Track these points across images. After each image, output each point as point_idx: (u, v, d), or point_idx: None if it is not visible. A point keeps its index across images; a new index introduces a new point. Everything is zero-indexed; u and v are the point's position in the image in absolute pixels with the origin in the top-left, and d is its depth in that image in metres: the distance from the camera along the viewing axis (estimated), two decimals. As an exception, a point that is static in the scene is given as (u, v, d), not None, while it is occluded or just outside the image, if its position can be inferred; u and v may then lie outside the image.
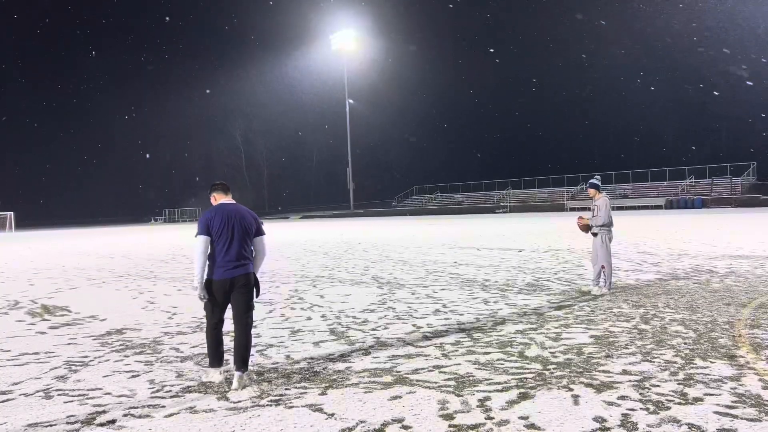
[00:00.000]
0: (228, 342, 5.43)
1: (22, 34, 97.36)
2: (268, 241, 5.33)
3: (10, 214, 64.57)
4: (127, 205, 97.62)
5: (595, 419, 3.75)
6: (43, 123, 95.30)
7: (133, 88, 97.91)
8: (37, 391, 4.72)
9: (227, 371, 4.82)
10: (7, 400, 4.53)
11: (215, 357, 4.88)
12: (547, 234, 23.07)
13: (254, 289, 4.94)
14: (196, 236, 4.74)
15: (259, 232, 5.04)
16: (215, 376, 4.81)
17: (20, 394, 4.66)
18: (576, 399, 4.13)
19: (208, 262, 4.75)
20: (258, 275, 5.06)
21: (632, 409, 3.90)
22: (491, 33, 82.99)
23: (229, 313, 4.93)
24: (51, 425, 3.94)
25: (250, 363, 4.84)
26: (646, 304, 7.66)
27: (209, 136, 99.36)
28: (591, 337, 5.95)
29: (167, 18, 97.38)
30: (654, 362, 4.96)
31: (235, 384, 4.58)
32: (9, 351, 6.22)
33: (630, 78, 74.40)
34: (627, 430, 3.57)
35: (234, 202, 5.02)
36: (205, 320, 5.02)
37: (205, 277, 4.76)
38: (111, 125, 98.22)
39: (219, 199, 5.01)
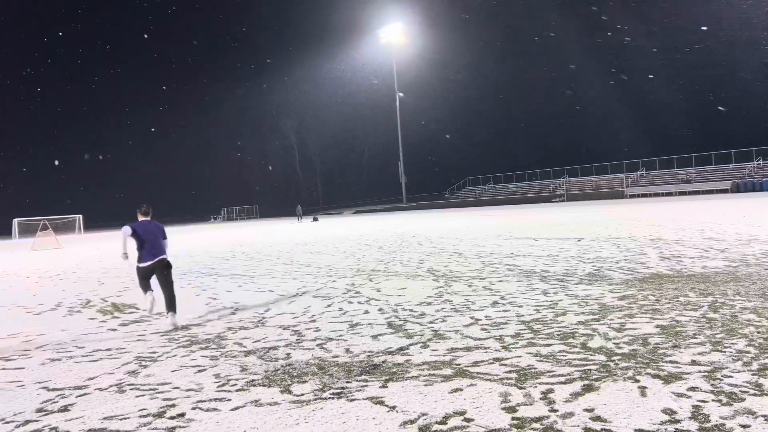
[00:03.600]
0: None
1: (83, 30, 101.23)
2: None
3: (79, 217, 67.59)
4: (187, 204, 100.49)
5: (665, 411, 3.64)
6: (106, 124, 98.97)
7: (190, 88, 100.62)
8: (111, 386, 4.93)
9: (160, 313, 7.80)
10: (84, 394, 4.75)
11: (145, 289, 7.69)
12: (607, 222, 22.49)
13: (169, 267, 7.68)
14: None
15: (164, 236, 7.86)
16: (147, 298, 7.67)
17: (95, 389, 4.88)
18: (643, 391, 4.01)
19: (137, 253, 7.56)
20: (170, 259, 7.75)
21: (704, 401, 3.76)
22: (540, 17, 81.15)
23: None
24: (125, 418, 4.11)
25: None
26: (715, 292, 7.36)
27: (263, 134, 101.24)
28: (657, 327, 5.77)
29: (220, 16, 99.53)
30: (725, 352, 4.77)
31: (168, 320, 7.36)
32: (83, 348, 6.52)
33: (688, 57, 71.50)
34: (699, 423, 3.45)
35: (147, 219, 7.85)
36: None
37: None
38: (170, 125, 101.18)
39: (140, 218, 7.85)
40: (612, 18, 74.67)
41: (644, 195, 59.49)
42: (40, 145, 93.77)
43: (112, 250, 26.37)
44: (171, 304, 7.44)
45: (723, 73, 69.10)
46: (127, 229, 7.49)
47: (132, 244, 7.50)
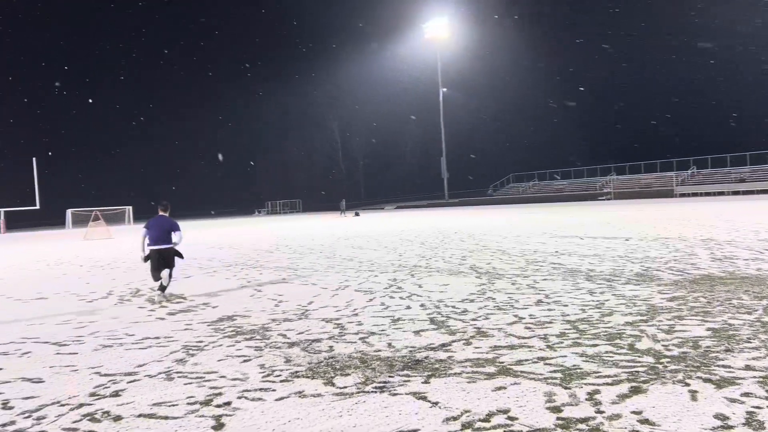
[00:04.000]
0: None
1: (131, 28, 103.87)
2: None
3: (129, 208, 69.61)
4: (232, 197, 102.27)
5: (716, 416, 3.53)
6: (153, 118, 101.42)
7: (238, 85, 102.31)
8: (160, 373, 5.07)
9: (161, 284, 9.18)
10: (134, 380, 4.90)
11: (155, 277, 9.23)
12: (656, 221, 21.93)
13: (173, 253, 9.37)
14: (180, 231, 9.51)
15: (174, 229, 9.38)
16: (155, 284, 9.35)
17: (145, 375, 5.02)
18: (694, 395, 3.90)
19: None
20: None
21: (758, 407, 3.63)
22: (588, 12, 79.48)
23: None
24: (173, 405, 4.22)
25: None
26: (770, 295, 7.10)
27: (307, 129, 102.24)
28: (708, 329, 5.60)
29: (262, 10, 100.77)
30: (782, 358, 4.59)
31: (155, 294, 9.22)
32: (133, 335, 6.72)
33: (743, 54, 68.91)
34: (753, 429, 3.33)
35: (162, 214, 9.51)
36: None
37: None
38: (216, 123, 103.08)
39: (159, 212, 9.56)
40: (664, 12, 72.58)
41: (695, 194, 57.73)
42: (96, 139, 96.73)
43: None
44: (164, 286, 9.20)
45: (781, 68, 66.38)
46: (143, 231, 9.32)
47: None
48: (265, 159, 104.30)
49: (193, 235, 30.39)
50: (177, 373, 5.05)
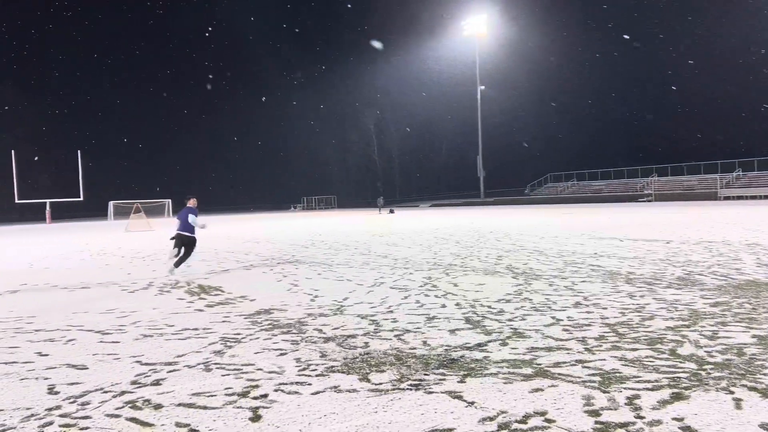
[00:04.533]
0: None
1: (154, 24, 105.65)
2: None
3: (168, 201, 71.03)
4: (268, 193, 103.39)
5: (762, 426, 3.43)
6: (193, 113, 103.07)
7: (278, 80, 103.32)
8: (198, 364, 5.17)
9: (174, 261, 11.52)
10: (174, 370, 5.00)
11: (174, 254, 11.71)
12: (698, 224, 21.37)
13: (191, 240, 11.83)
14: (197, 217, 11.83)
15: (191, 213, 11.77)
16: (173, 252, 11.77)
17: (184, 366, 5.12)
18: (738, 403, 3.79)
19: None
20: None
21: (807, 419, 3.52)
22: (631, 10, 77.74)
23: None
24: (212, 395, 4.30)
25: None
26: (820, 303, 6.85)
27: (344, 125, 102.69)
28: (753, 336, 5.44)
29: (301, 7, 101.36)
30: (832, 368, 4.43)
31: (168, 268, 11.80)
32: (173, 326, 6.86)
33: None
34: (801, 442, 3.23)
35: (188, 205, 11.98)
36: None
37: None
38: (250, 115, 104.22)
39: (186, 204, 12.02)
40: (709, 13, 70.62)
41: (740, 197, 56.03)
42: (135, 134, 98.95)
43: (198, 233, 27.57)
44: (177, 263, 11.64)
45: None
46: (176, 220, 12.15)
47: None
48: (301, 154, 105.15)
49: (230, 229, 30.84)
50: (215, 364, 5.14)
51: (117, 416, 3.95)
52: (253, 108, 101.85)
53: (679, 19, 74.01)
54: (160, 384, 4.61)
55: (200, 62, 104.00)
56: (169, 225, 41.98)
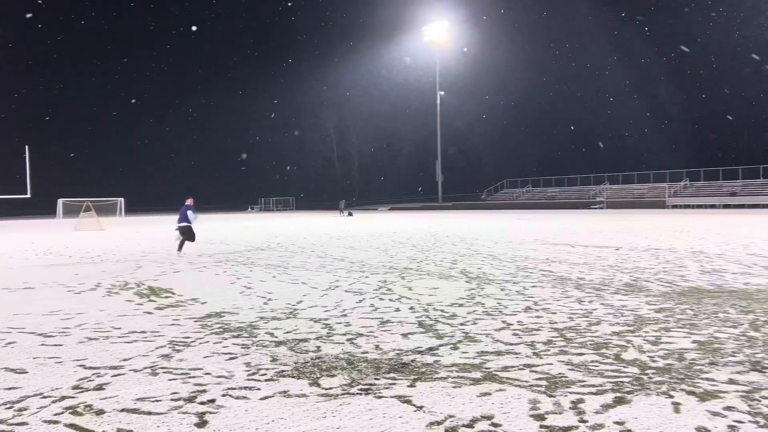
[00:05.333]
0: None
1: (137, 20, 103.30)
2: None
3: (121, 200, 69.28)
4: (225, 193, 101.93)
5: (698, 429, 3.55)
6: (147, 111, 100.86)
7: (232, 79, 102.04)
8: (145, 368, 5.04)
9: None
10: (119, 374, 4.87)
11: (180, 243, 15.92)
12: (647, 232, 22.02)
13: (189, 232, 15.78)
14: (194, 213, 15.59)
15: (189, 210, 15.70)
16: (178, 239, 15.96)
17: (130, 370, 5.00)
18: (677, 407, 3.92)
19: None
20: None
21: (740, 422, 3.66)
22: (585, 20, 79.72)
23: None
24: (157, 401, 4.20)
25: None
26: (757, 309, 7.14)
27: (303, 127, 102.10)
28: (694, 342, 5.63)
29: (283, 7, 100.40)
30: (765, 373, 4.62)
31: (178, 242, 15.98)
32: (120, 328, 6.69)
33: (736, 68, 69.30)
34: (734, 444, 3.35)
35: (186, 203, 15.77)
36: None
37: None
38: (210, 116, 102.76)
39: (186, 202, 15.82)
40: (663, 24, 72.99)
41: (687, 206, 58.06)
42: (86, 130, 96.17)
43: (151, 233, 26.99)
44: (180, 246, 15.83)
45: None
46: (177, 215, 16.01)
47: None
48: (259, 155, 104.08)
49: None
50: (162, 368, 5.02)
51: (55, 422, 3.83)
52: (210, 107, 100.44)
53: (628, 25, 76.24)
54: (104, 389, 4.49)
55: (156, 56, 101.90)
56: (122, 224, 41.18)
